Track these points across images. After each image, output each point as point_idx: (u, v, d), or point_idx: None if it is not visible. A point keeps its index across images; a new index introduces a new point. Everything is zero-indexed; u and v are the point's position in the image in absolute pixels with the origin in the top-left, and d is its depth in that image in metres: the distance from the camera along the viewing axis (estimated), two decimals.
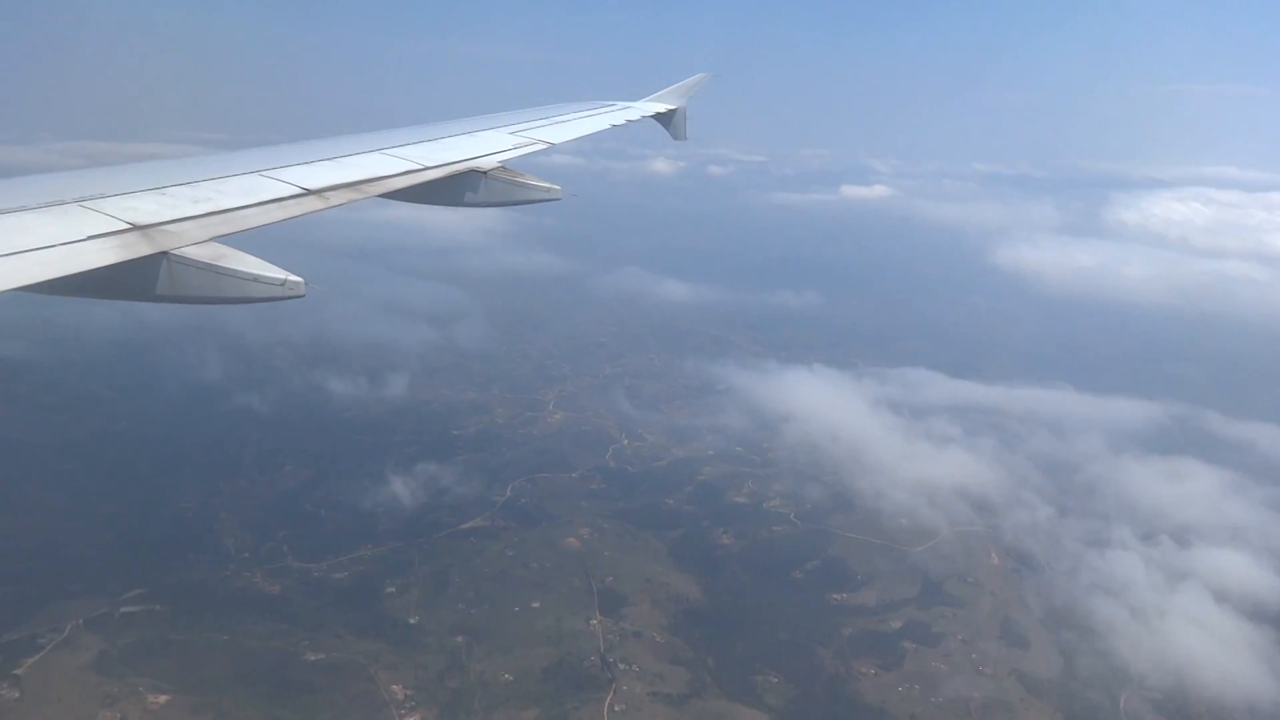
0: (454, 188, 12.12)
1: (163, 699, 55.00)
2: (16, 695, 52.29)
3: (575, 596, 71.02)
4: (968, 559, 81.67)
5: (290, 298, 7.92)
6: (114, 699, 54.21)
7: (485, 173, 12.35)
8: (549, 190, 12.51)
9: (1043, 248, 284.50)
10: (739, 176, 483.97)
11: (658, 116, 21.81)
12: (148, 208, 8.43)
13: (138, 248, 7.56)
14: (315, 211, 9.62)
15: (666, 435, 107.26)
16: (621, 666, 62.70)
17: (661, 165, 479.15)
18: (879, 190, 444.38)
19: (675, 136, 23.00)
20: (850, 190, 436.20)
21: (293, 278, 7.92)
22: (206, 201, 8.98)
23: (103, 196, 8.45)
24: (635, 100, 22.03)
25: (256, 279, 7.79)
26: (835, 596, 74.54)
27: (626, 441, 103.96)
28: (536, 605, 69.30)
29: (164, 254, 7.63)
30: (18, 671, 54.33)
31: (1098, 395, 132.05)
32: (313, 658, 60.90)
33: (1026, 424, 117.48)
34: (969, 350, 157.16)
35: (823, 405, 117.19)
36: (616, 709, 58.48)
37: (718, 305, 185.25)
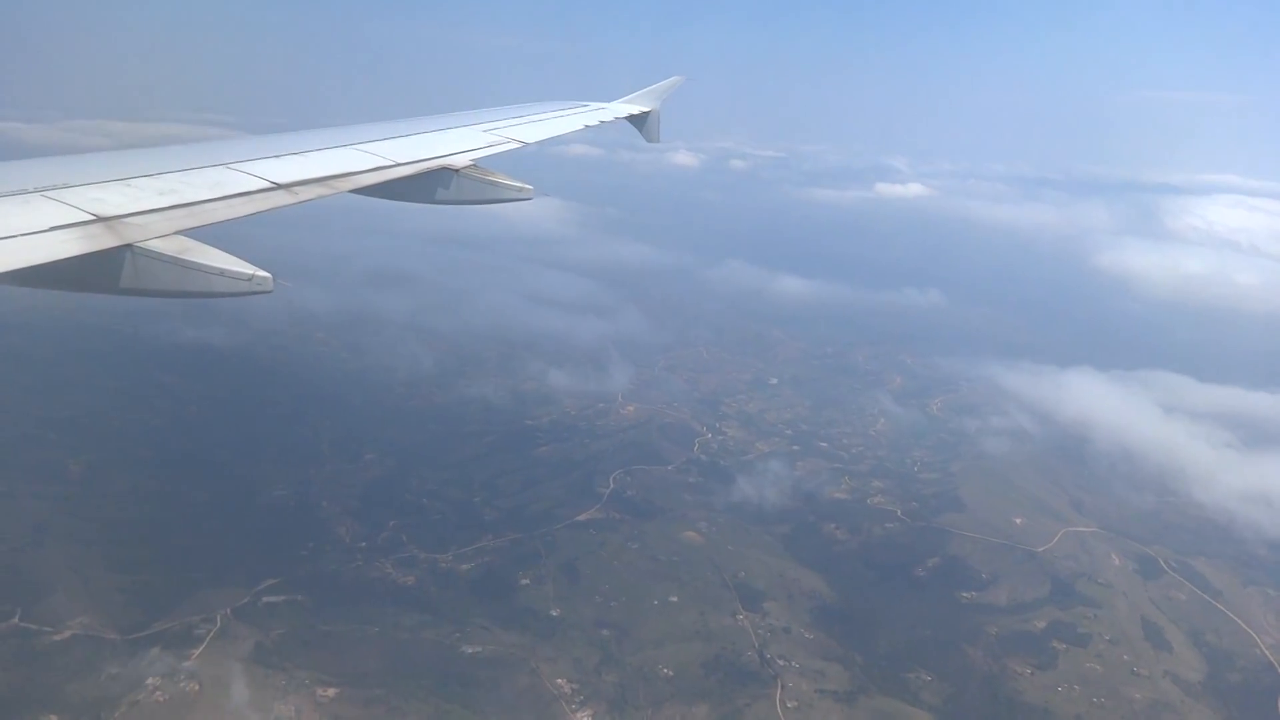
0: (425, 185, 12.02)
1: (331, 692, 52.89)
2: (196, 688, 49.79)
3: (711, 591, 69.56)
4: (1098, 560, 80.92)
5: (257, 293, 7.72)
6: (284, 692, 52.05)
7: (457, 170, 12.20)
8: (521, 190, 12.36)
9: (1146, 253, 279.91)
10: (763, 171, 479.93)
11: (631, 119, 21.56)
12: (113, 199, 8.24)
13: (102, 240, 7.38)
14: (283, 206, 9.51)
15: (746, 430, 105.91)
16: (781, 663, 61.36)
17: (684, 158, 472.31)
18: (915, 189, 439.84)
19: (648, 139, 22.71)
20: (885, 188, 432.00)
21: (260, 273, 7.69)
22: (172, 194, 8.81)
23: (67, 186, 8.28)
24: (609, 101, 21.89)
25: (223, 273, 7.62)
26: (965, 595, 73.63)
27: (709, 435, 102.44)
28: (674, 600, 67.81)
29: (128, 246, 7.41)
30: (189, 664, 51.73)
31: None
32: (469, 650, 59.00)
33: None
34: (1169, 354, 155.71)
35: (1115, 409, 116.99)
36: (789, 705, 57.15)
37: (847, 302, 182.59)
